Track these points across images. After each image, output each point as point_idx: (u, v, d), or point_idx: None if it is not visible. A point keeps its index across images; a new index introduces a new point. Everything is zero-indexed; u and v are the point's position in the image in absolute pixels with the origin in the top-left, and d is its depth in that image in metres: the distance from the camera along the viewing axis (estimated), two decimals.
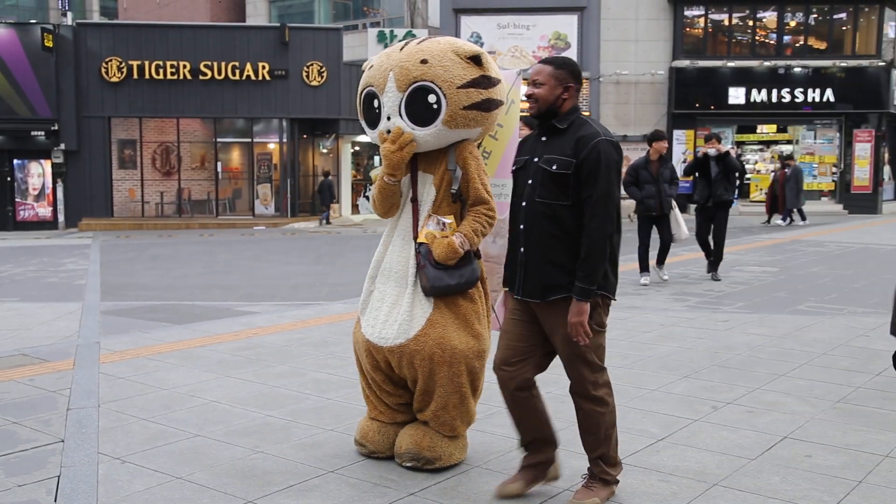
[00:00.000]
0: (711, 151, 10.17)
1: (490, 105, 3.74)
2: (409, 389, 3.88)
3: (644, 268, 9.95)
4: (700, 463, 3.91)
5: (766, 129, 26.71)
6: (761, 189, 26.28)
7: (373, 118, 3.80)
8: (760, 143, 26.95)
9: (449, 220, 3.69)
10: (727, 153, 10.27)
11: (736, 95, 25.35)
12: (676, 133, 24.97)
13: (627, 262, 10.08)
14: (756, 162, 26.83)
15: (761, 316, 7.83)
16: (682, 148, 24.77)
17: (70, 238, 21.31)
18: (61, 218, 24.21)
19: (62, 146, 23.90)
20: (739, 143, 26.38)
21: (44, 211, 24.47)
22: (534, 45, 25.26)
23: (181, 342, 6.74)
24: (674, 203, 9.74)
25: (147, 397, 5.10)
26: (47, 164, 24.22)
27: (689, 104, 25.27)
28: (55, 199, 24.26)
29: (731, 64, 25.39)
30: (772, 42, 26.18)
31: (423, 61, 3.61)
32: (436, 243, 3.61)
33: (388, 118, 3.69)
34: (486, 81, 3.70)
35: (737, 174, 10.33)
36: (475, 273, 3.73)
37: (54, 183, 24.22)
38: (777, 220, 20.93)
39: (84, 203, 24.29)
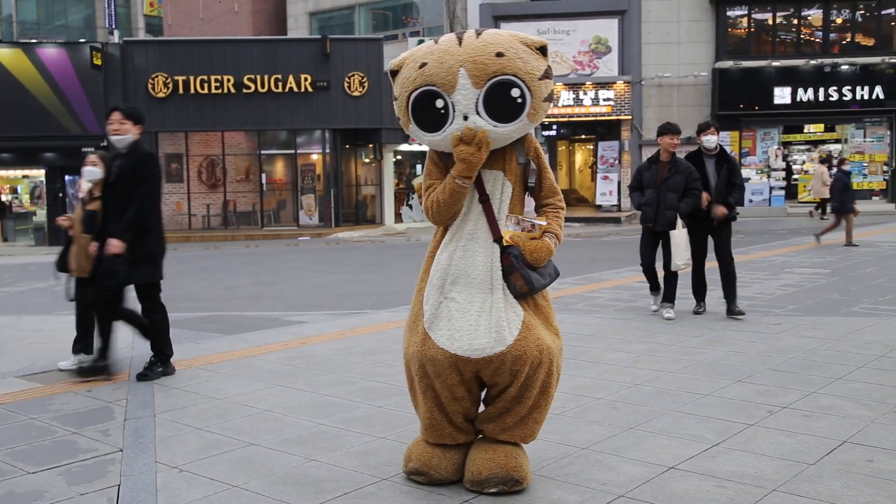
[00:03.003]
0: (711, 141, 7.88)
1: (553, 96, 3.63)
2: (477, 402, 3.73)
3: (654, 287, 8.11)
4: (757, 468, 3.84)
5: (814, 129, 26.28)
6: (809, 190, 25.83)
7: (436, 120, 3.47)
8: (807, 142, 26.51)
9: (542, 221, 3.60)
10: (723, 150, 8.05)
11: (781, 95, 24.99)
12: (721, 135, 24.67)
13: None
14: (804, 162, 26.40)
15: (814, 318, 7.69)
16: (727, 150, 24.47)
17: None
18: None
19: None
20: (786, 144, 25.98)
21: None
22: (574, 51, 25.19)
23: (232, 352, 6.83)
24: (679, 221, 7.67)
25: (201, 407, 5.18)
26: None
27: (734, 105, 24.97)
28: None
29: (775, 63, 25.03)
30: (817, 40, 25.75)
31: (500, 54, 3.37)
32: (531, 246, 3.51)
33: (466, 117, 3.41)
34: (551, 71, 3.59)
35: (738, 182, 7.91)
36: (556, 269, 3.68)
37: None
38: None
39: None
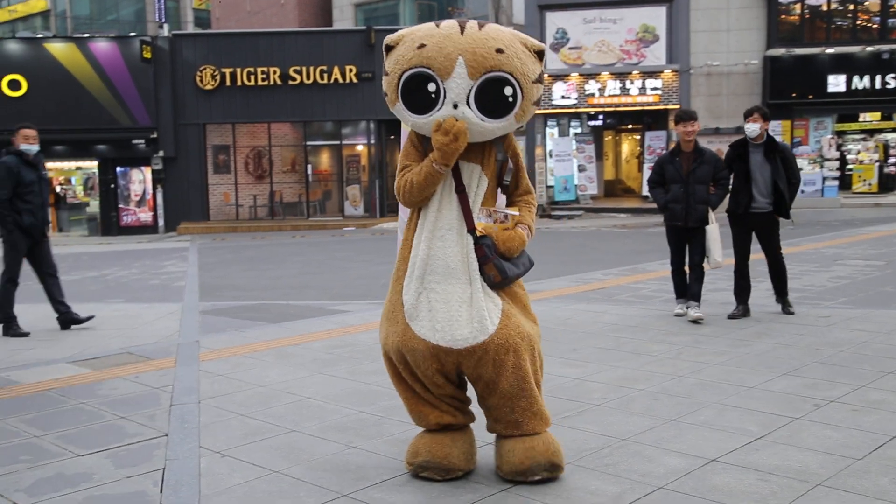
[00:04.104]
0: (751, 129, 7.29)
1: (540, 101, 3.66)
2: (459, 385, 3.74)
3: (680, 293, 7.49)
4: (802, 462, 3.77)
5: (870, 118, 25.65)
6: (865, 180, 25.25)
7: (425, 103, 3.46)
8: (863, 132, 25.88)
9: (515, 212, 3.65)
10: (771, 139, 7.38)
11: (836, 83, 24.41)
12: (772, 124, 24.19)
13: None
14: (859, 152, 25.79)
15: (866, 311, 7.51)
16: (778, 139, 23.94)
17: (169, 241, 22.12)
18: (161, 222, 25.15)
19: (161, 153, 24.85)
20: (840, 133, 25.39)
21: (145, 216, 25.46)
22: (621, 39, 24.88)
23: (276, 340, 6.91)
24: (712, 215, 7.24)
25: (245, 394, 5.25)
26: (147, 171, 25.21)
27: (786, 94, 24.45)
28: (155, 204, 25.23)
29: (830, 50, 24.45)
30: (875, 25, 25.08)
31: (499, 50, 3.38)
32: (504, 236, 3.53)
33: (455, 106, 3.41)
34: (543, 77, 3.60)
35: (794, 177, 7.30)
36: (531, 259, 3.70)
37: (154, 189, 25.19)
38: None
39: (182, 207, 25.18)
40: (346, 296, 10.12)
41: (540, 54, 3.55)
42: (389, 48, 3.62)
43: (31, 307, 8.36)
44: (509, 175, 3.66)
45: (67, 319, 7.93)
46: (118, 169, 25.39)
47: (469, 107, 3.42)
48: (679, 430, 4.26)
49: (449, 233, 3.54)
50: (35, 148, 7.78)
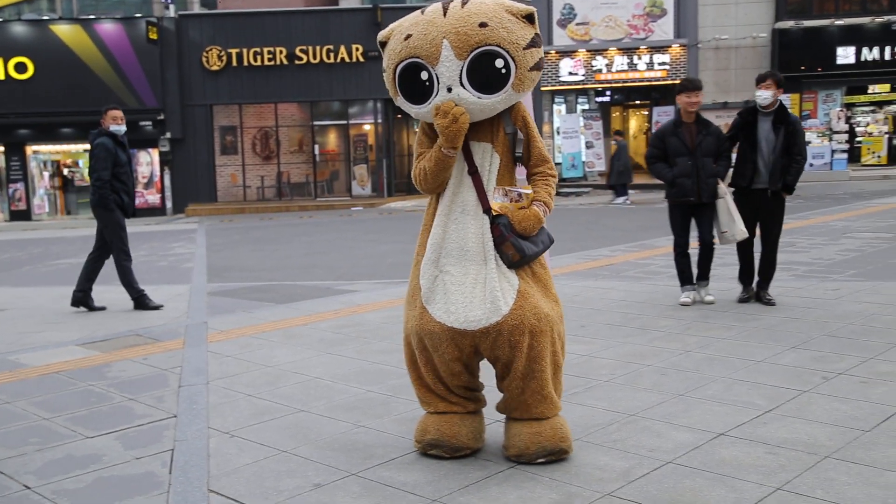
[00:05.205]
0: (764, 96, 6.73)
1: (542, 64, 3.57)
2: (475, 374, 3.73)
3: (686, 279, 6.96)
4: (810, 435, 3.76)
5: (879, 90, 25.41)
6: (874, 152, 25.07)
7: (421, 92, 3.45)
8: (872, 104, 25.66)
9: (528, 190, 3.58)
10: (783, 107, 6.84)
11: (845, 55, 24.19)
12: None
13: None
14: (868, 124, 25.59)
15: (875, 284, 7.47)
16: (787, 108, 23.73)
17: (177, 223, 22.16)
18: (169, 204, 25.19)
19: (168, 135, 24.84)
20: (849, 105, 25.18)
21: (153, 198, 25.50)
22: (628, 14, 24.68)
23: (284, 321, 6.92)
24: (723, 187, 6.72)
25: (253, 374, 5.26)
26: (155, 153, 25.22)
27: (794, 67, 24.24)
28: (163, 186, 25.25)
29: (839, 22, 24.21)
30: None
31: (483, 24, 3.32)
32: (519, 215, 3.49)
33: (450, 89, 3.38)
34: (539, 39, 3.51)
35: (801, 154, 6.71)
36: (550, 236, 3.64)
37: (162, 171, 25.21)
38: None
39: (190, 189, 25.20)
40: (353, 275, 10.13)
41: (529, 18, 3.46)
42: (383, 45, 3.60)
43: (44, 290, 8.41)
44: (520, 146, 3.59)
45: (81, 300, 7.96)
46: None
47: (463, 87, 3.38)
48: (687, 405, 4.25)
49: (463, 215, 3.52)
50: (123, 128, 7.97)
